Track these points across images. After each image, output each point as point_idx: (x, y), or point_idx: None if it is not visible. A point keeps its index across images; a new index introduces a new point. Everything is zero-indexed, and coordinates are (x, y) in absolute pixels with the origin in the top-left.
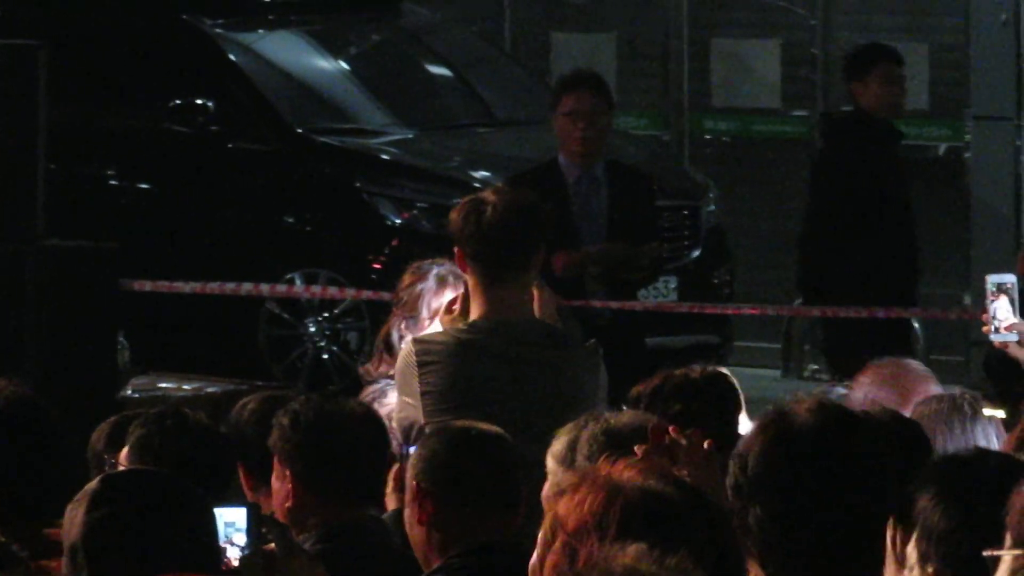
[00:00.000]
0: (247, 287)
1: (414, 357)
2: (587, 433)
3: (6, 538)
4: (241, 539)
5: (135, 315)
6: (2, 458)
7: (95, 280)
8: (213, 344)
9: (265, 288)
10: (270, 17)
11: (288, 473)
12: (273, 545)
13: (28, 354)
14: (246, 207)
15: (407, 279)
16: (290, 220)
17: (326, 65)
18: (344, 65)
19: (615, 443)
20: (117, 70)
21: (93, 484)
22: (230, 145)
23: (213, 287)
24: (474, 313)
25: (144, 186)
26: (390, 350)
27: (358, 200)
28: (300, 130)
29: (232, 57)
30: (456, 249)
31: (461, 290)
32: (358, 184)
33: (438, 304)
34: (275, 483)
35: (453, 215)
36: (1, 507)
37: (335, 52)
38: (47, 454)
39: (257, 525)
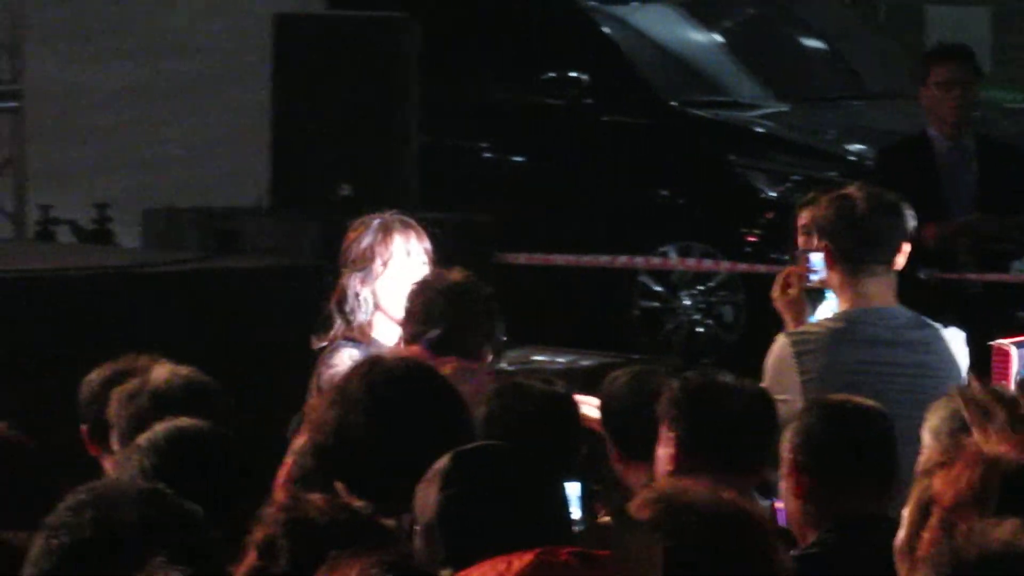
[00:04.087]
0: (621, 260)
1: (791, 348)
2: (952, 408)
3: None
4: (575, 513)
5: (510, 287)
6: (400, 422)
7: (470, 252)
8: (586, 317)
9: (639, 261)
10: None
11: (672, 438)
12: (607, 519)
13: None
14: (619, 180)
15: (349, 236)
16: (664, 193)
17: (699, 38)
18: (716, 38)
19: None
20: (490, 43)
21: (443, 462)
22: (603, 118)
23: (587, 260)
24: (843, 305)
25: (518, 159)
26: (344, 314)
27: (732, 173)
28: (673, 103)
29: (605, 30)
30: (822, 242)
31: (414, 235)
32: (732, 157)
33: (388, 252)
34: (660, 449)
35: (819, 210)
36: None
37: (707, 25)
38: (443, 426)
39: (590, 499)
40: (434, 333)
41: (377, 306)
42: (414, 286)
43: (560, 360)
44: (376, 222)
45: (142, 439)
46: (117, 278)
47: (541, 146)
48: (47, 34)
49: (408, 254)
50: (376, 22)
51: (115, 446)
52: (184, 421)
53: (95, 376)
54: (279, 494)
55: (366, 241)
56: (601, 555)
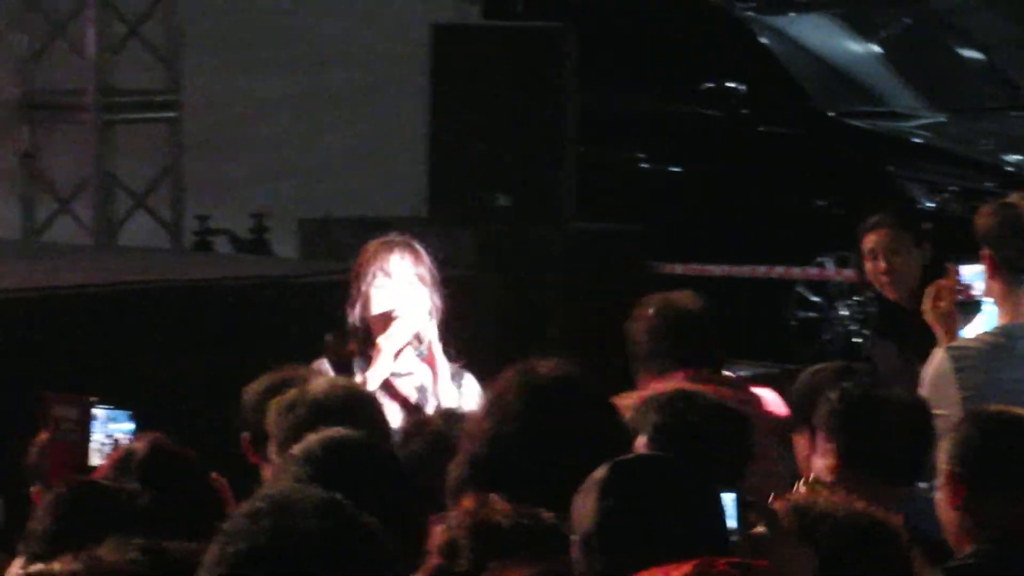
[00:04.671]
0: (778, 271)
1: (950, 363)
2: None
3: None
4: (732, 523)
5: None
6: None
7: (624, 262)
8: (742, 327)
9: (796, 271)
10: (797, 1)
11: (831, 449)
12: (762, 529)
13: (551, 334)
14: (776, 190)
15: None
16: (820, 203)
17: (855, 48)
18: (873, 48)
19: None
20: (647, 53)
21: (602, 472)
22: (760, 128)
23: (743, 270)
24: (1003, 318)
25: (674, 169)
26: (355, 334)
27: (889, 184)
28: (830, 113)
29: (763, 40)
30: (985, 251)
31: (406, 256)
32: (889, 168)
33: (370, 273)
34: (817, 459)
35: (982, 219)
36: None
37: (864, 35)
38: (596, 436)
39: (745, 510)
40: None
41: (364, 324)
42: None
43: None
44: (370, 243)
45: (297, 449)
46: (274, 288)
47: (698, 157)
48: (204, 45)
49: (389, 275)
50: (533, 32)
51: (273, 456)
52: (338, 431)
53: (256, 386)
54: (466, 500)
55: (357, 262)
56: (758, 565)
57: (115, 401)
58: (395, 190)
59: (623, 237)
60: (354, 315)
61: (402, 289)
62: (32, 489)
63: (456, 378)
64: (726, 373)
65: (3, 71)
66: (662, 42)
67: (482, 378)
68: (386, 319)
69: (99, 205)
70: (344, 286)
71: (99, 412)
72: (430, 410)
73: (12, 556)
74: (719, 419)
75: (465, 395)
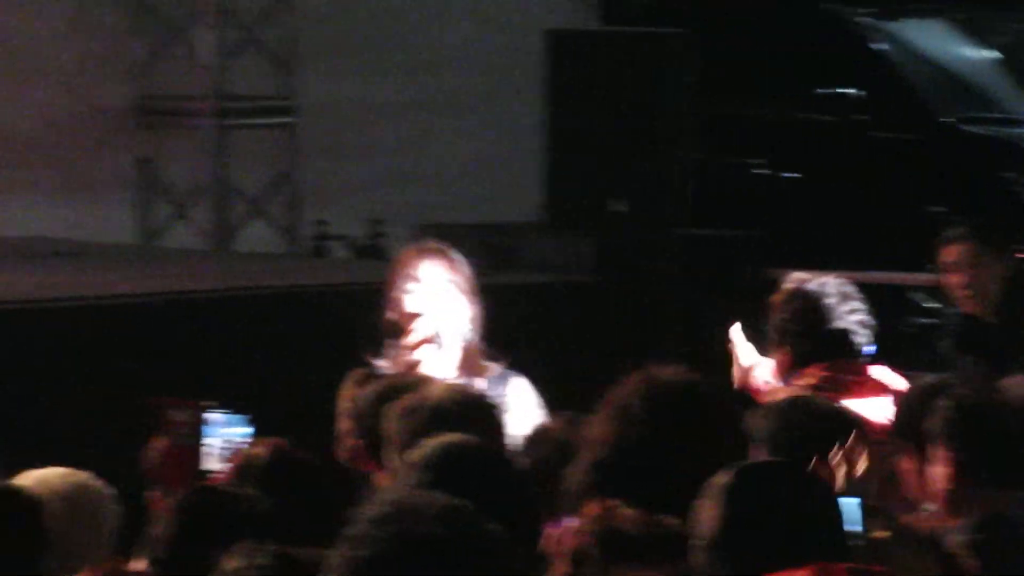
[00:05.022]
0: (893, 276)
1: None
2: None
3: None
4: (854, 528)
5: None
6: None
7: (740, 268)
8: None
9: (911, 277)
10: (914, 6)
11: (948, 457)
12: (884, 534)
13: (669, 341)
14: (891, 196)
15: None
16: (935, 209)
17: (972, 54)
18: (990, 54)
19: None
20: (763, 59)
21: (725, 478)
22: (875, 134)
23: (859, 276)
24: None
25: (789, 175)
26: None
27: (1005, 190)
28: (946, 119)
29: (878, 46)
30: None
31: (440, 263)
32: (1006, 174)
33: (403, 280)
34: (932, 468)
35: None
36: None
37: (981, 41)
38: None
39: (866, 514)
40: None
41: (395, 329)
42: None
43: None
44: (405, 250)
45: (415, 455)
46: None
47: (812, 162)
48: (320, 50)
49: (419, 280)
50: (650, 38)
51: (391, 462)
52: (456, 436)
53: (370, 391)
54: (590, 507)
55: (392, 269)
56: (878, 570)
57: (232, 406)
58: (512, 196)
59: (740, 243)
60: (387, 320)
61: (430, 295)
62: (149, 494)
63: (501, 381)
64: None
65: (121, 77)
66: (779, 48)
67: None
68: (413, 324)
69: (215, 210)
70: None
71: (214, 416)
72: None
73: (127, 559)
74: (834, 425)
75: (512, 397)
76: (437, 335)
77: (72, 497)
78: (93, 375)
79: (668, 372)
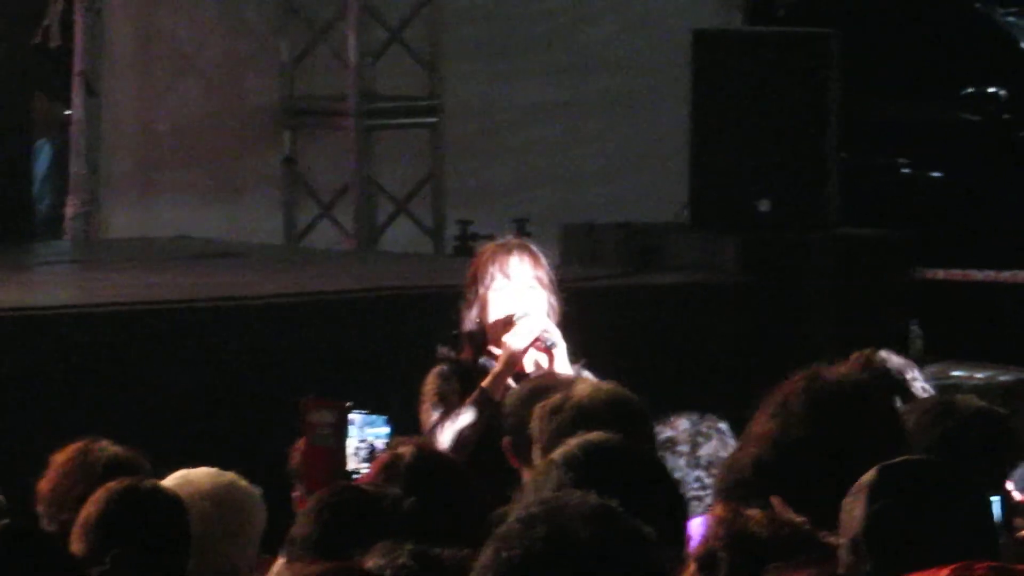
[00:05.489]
0: None
1: None
2: None
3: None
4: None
5: (929, 302)
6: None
7: (888, 268)
8: (1005, 332)
9: None
10: None
11: None
12: None
13: (813, 341)
14: None
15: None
16: None
17: None
18: None
19: None
20: (908, 58)
21: (870, 476)
22: (1022, 133)
23: (1006, 276)
24: None
25: (935, 175)
26: (471, 338)
27: None
28: None
29: None
30: None
31: (525, 259)
32: None
33: (488, 275)
34: None
35: None
36: None
37: None
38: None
39: (1010, 512)
40: None
41: (482, 328)
42: None
43: (978, 376)
44: (488, 246)
45: (558, 454)
46: None
47: (959, 162)
48: (465, 50)
49: (508, 277)
50: (795, 38)
51: (537, 460)
52: (600, 435)
53: (519, 390)
54: (718, 508)
55: (474, 265)
56: (1020, 570)
57: (373, 406)
58: (657, 196)
59: (886, 243)
60: (471, 319)
61: (521, 292)
62: (294, 494)
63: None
64: None
65: (265, 77)
66: (923, 47)
67: (743, 383)
68: (506, 322)
69: (360, 211)
70: (606, 292)
71: (355, 417)
72: None
73: (274, 556)
74: (981, 422)
75: None
76: (545, 332)
77: (220, 498)
78: (240, 375)
79: (835, 372)
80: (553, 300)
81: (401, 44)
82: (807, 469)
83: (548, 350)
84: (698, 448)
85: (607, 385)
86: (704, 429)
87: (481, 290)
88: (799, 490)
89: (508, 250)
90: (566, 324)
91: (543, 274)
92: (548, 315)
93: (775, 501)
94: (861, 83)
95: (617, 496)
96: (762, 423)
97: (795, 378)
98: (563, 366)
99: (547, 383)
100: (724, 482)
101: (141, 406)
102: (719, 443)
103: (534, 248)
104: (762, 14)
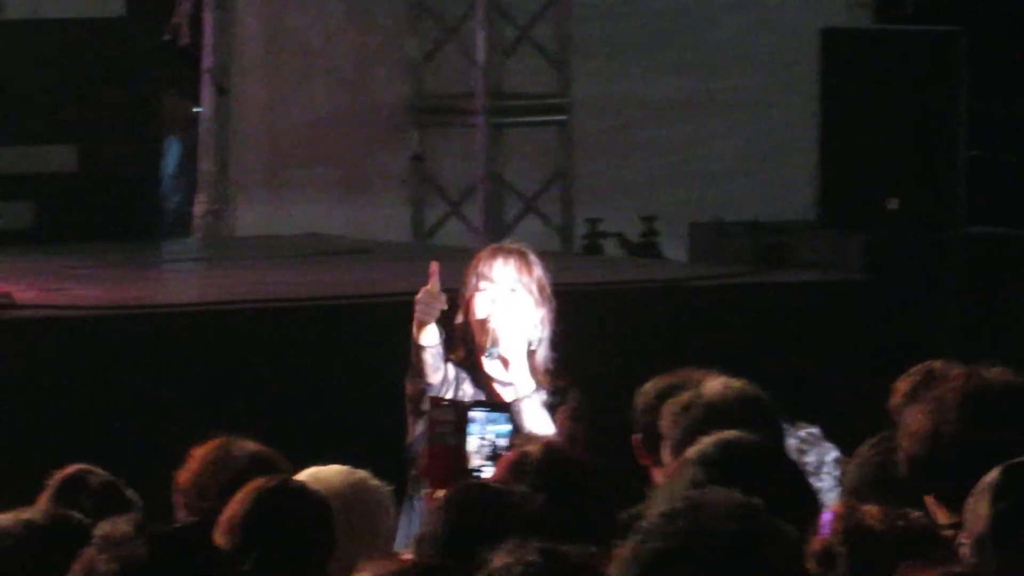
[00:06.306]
0: None
1: None
2: None
3: None
4: None
5: None
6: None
7: (1018, 267)
8: None
9: None
10: None
11: None
12: None
13: (943, 343)
14: None
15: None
16: None
17: None
18: None
19: None
20: None
21: (994, 474)
22: None
23: None
24: None
25: None
26: (463, 338)
27: None
28: None
29: None
30: None
31: (512, 263)
32: None
33: (474, 279)
34: None
35: None
36: None
37: None
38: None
39: None
40: None
41: (466, 329)
42: None
43: None
44: (483, 250)
45: (691, 452)
46: (665, 291)
47: None
48: (593, 48)
49: (491, 280)
50: (924, 35)
51: (666, 458)
52: (733, 433)
53: (649, 388)
54: (836, 505)
55: (467, 269)
56: None
57: (493, 404)
58: (785, 194)
59: (1016, 241)
60: (457, 320)
61: (501, 296)
62: (424, 492)
63: (552, 396)
64: None
65: (394, 75)
66: None
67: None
68: (481, 325)
69: (489, 208)
70: (735, 290)
71: (477, 415)
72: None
73: (400, 555)
74: None
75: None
76: (498, 338)
77: (351, 496)
78: (371, 372)
79: (993, 372)
80: (538, 306)
81: (530, 41)
82: (959, 467)
83: (502, 358)
84: (804, 455)
85: (737, 383)
86: (804, 435)
87: (467, 292)
88: (951, 488)
89: (496, 254)
90: (568, 332)
91: (529, 279)
92: (528, 320)
93: (928, 500)
94: (989, 80)
95: (749, 493)
96: (916, 420)
97: (955, 376)
98: (518, 375)
99: (678, 381)
100: (852, 482)
101: (271, 403)
102: (820, 448)
103: (528, 253)
104: (890, 12)
